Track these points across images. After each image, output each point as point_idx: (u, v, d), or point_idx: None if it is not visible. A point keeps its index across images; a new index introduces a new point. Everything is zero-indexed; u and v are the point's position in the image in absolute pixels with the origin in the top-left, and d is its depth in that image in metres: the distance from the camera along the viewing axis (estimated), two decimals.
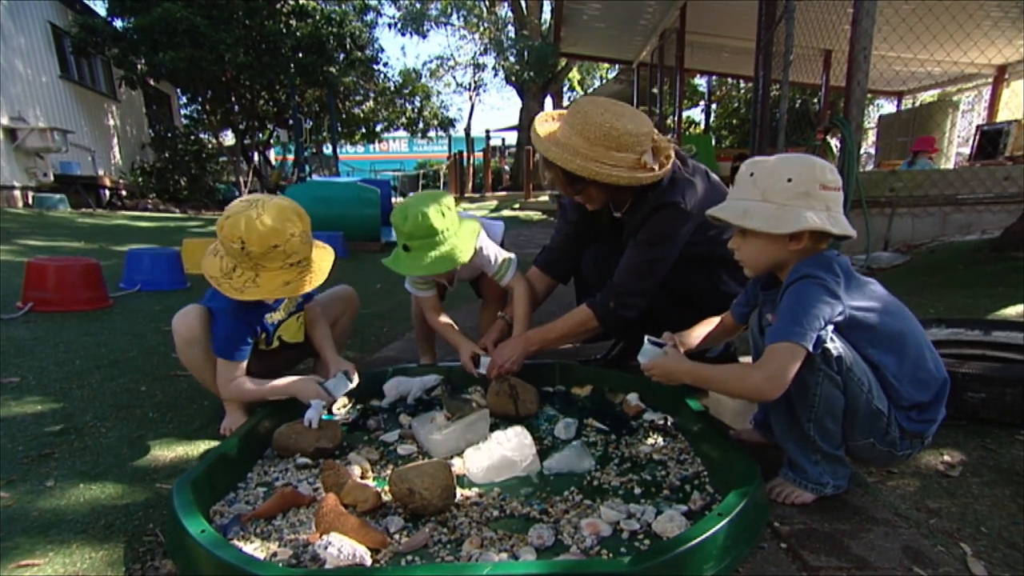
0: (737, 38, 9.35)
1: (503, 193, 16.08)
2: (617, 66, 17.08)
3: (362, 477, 1.42)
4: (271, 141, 16.22)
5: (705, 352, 1.77)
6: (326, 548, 1.07)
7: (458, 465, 1.47)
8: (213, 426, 1.77)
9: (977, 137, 8.17)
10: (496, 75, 22.69)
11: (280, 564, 1.10)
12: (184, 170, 13.21)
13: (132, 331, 2.85)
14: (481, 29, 21.41)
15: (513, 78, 16.98)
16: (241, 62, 11.70)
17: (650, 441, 1.61)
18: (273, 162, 18.46)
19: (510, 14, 19.05)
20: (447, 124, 20.69)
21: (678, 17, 8.76)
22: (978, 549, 1.12)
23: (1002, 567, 1.07)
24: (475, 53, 23.88)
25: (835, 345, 1.18)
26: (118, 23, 11.83)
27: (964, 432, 1.57)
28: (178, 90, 15.17)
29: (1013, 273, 3.13)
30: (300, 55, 12.41)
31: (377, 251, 6.07)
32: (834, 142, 4.67)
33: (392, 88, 18.64)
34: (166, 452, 1.63)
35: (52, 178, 9.64)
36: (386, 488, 1.32)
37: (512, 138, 21.34)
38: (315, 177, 10.89)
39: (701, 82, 17.77)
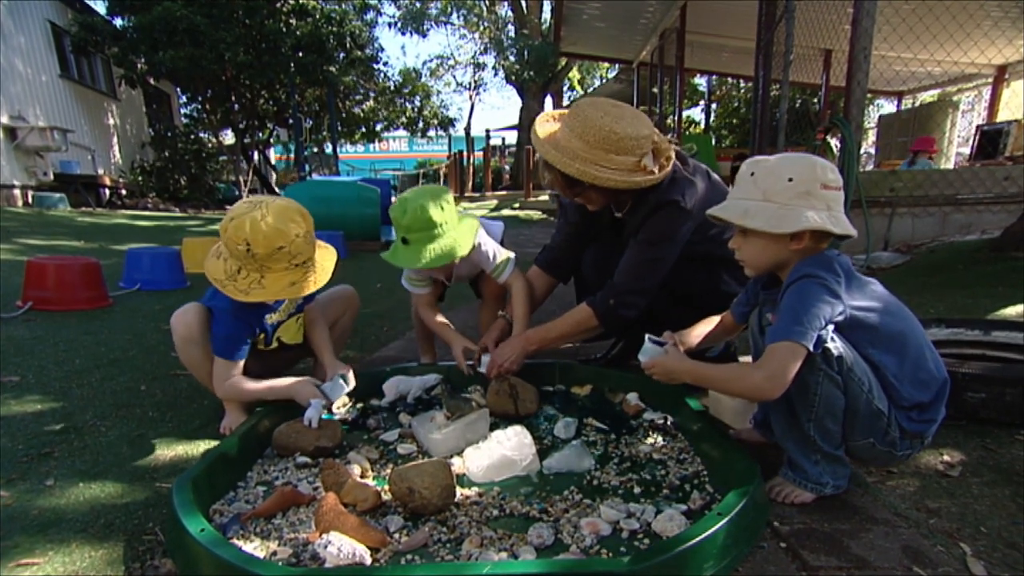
0: (737, 38, 9.35)
1: (503, 192, 16.08)
2: (617, 66, 17.09)
3: (362, 476, 1.42)
4: (271, 140, 16.22)
5: (705, 352, 1.77)
6: (326, 547, 1.07)
7: (458, 464, 1.47)
8: (213, 425, 1.77)
9: (977, 137, 8.17)
10: (496, 74, 22.75)
11: (280, 563, 1.10)
12: (184, 169, 13.21)
13: (132, 330, 2.85)
14: (481, 28, 21.41)
15: (513, 77, 16.97)
16: (241, 61, 11.69)
17: (650, 440, 1.61)
18: (273, 161, 18.48)
19: (510, 13, 19.04)
20: (447, 123, 20.68)
21: (678, 17, 8.76)
22: (978, 549, 1.12)
23: (1002, 567, 1.07)
24: (475, 52, 23.93)
25: (836, 345, 1.18)
26: (118, 22, 11.83)
27: (964, 432, 1.57)
28: (178, 89, 15.15)
29: (1013, 273, 3.13)
30: (300, 54, 12.40)
31: (377, 250, 6.06)
32: (834, 142, 4.68)
33: (392, 87, 18.63)
34: (166, 451, 1.63)
35: (52, 177, 9.64)
36: (386, 487, 1.32)
37: (512, 137, 21.34)
38: (315, 176, 10.90)
39: (701, 82, 17.77)
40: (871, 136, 12.21)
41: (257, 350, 1.84)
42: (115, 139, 12.68)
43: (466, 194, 15.47)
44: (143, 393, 2.05)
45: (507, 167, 20.75)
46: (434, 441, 1.55)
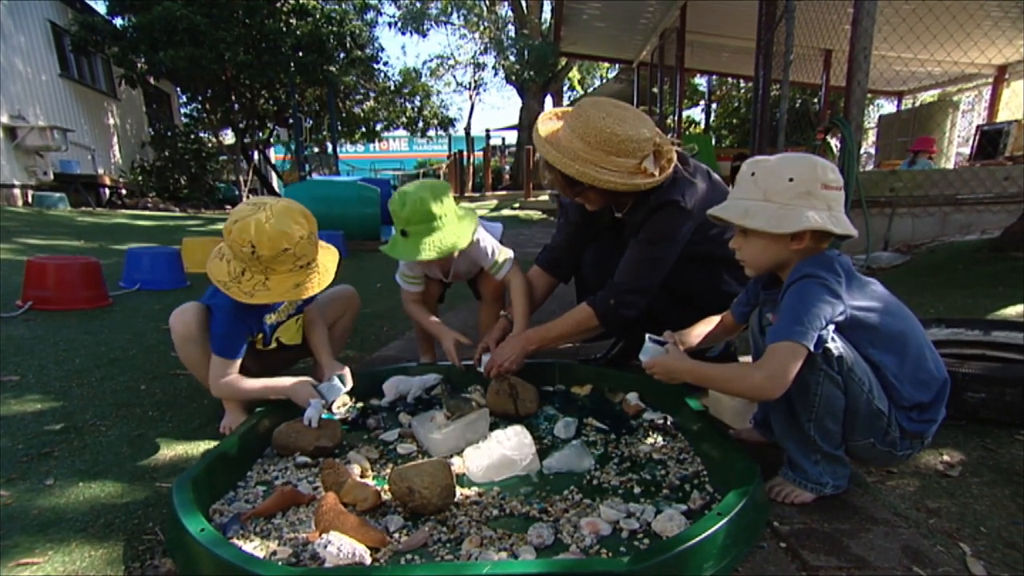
0: (737, 38, 9.35)
1: (503, 192, 16.07)
2: (617, 65, 17.09)
3: (362, 476, 1.42)
4: (271, 140, 16.21)
5: (705, 352, 1.77)
6: (326, 547, 1.07)
7: (458, 464, 1.47)
8: (213, 425, 1.77)
9: (977, 137, 8.17)
10: (496, 74, 22.74)
11: (280, 563, 1.10)
12: (184, 169, 13.20)
13: (132, 330, 2.85)
14: (481, 28, 21.40)
15: (513, 77, 16.96)
16: (241, 61, 11.68)
17: (650, 440, 1.61)
18: (274, 161, 18.48)
19: (510, 13, 19.03)
20: (447, 123, 20.67)
21: (678, 17, 8.76)
22: (977, 549, 1.12)
23: (1001, 567, 1.07)
24: (475, 52, 23.91)
25: (836, 345, 1.18)
26: (118, 21, 11.81)
27: (964, 432, 1.57)
28: (178, 89, 15.14)
29: (1013, 273, 3.13)
30: (300, 54, 12.39)
31: (377, 250, 6.07)
32: (834, 142, 4.68)
33: (392, 87, 18.62)
34: (166, 451, 1.63)
35: (52, 177, 9.64)
36: (386, 487, 1.33)
37: (512, 137, 21.32)
38: (315, 176, 10.90)
39: (701, 82, 17.77)
40: (871, 136, 12.21)
41: (256, 350, 1.84)
42: (115, 139, 12.68)
43: (466, 194, 15.47)
44: (143, 393, 2.05)
45: (507, 167, 20.74)
46: (434, 441, 1.55)
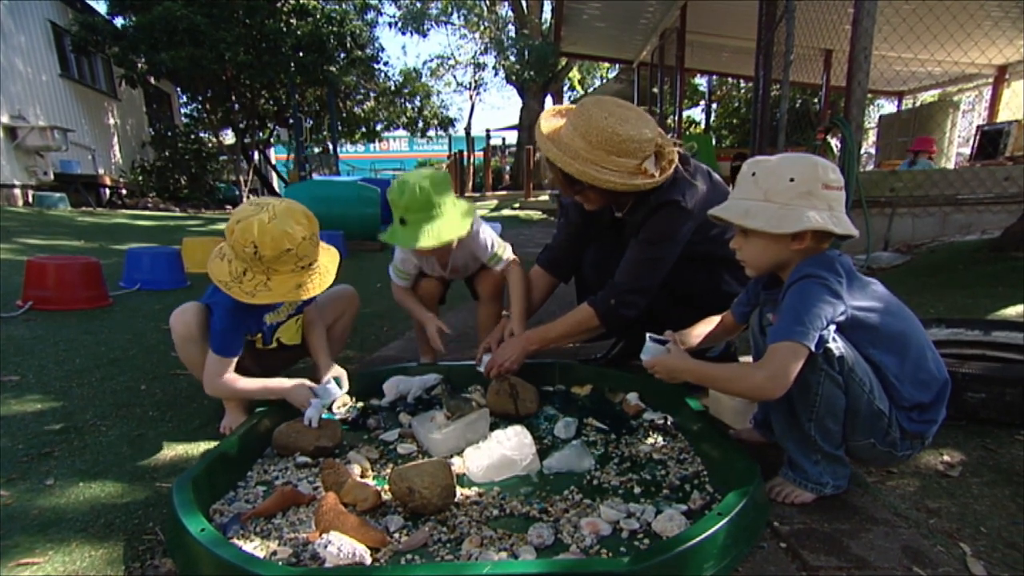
0: (737, 38, 9.35)
1: (503, 192, 16.07)
2: (617, 65, 17.11)
3: (362, 476, 1.42)
4: (271, 140, 16.22)
5: (705, 351, 1.77)
6: (326, 547, 1.07)
7: (458, 464, 1.47)
8: (213, 425, 1.77)
9: (977, 137, 8.17)
10: (496, 74, 22.70)
11: (280, 563, 1.10)
12: (184, 169, 13.20)
13: (132, 330, 2.86)
14: (481, 28, 21.38)
15: (513, 77, 16.96)
16: (241, 61, 11.69)
17: (650, 440, 1.61)
18: (274, 161, 18.48)
19: (510, 13, 19.03)
20: (447, 123, 20.65)
21: (678, 17, 8.76)
22: (977, 549, 1.12)
23: (1001, 567, 1.07)
24: (475, 52, 23.89)
25: (837, 345, 1.18)
26: (118, 21, 11.83)
27: (964, 432, 1.57)
28: (178, 89, 15.14)
29: (1013, 273, 3.13)
30: (300, 54, 12.40)
31: (377, 250, 6.06)
32: (834, 142, 4.67)
33: (392, 87, 18.61)
34: (166, 451, 1.63)
35: (52, 177, 9.64)
36: (386, 487, 1.33)
37: (512, 137, 21.31)
38: (315, 176, 10.90)
39: (701, 82, 17.77)
40: (871, 136, 12.22)
41: (256, 350, 1.84)
42: (115, 139, 12.68)
43: (466, 194, 15.46)
44: (143, 393, 2.05)
45: (507, 167, 20.74)
46: (434, 441, 1.55)
